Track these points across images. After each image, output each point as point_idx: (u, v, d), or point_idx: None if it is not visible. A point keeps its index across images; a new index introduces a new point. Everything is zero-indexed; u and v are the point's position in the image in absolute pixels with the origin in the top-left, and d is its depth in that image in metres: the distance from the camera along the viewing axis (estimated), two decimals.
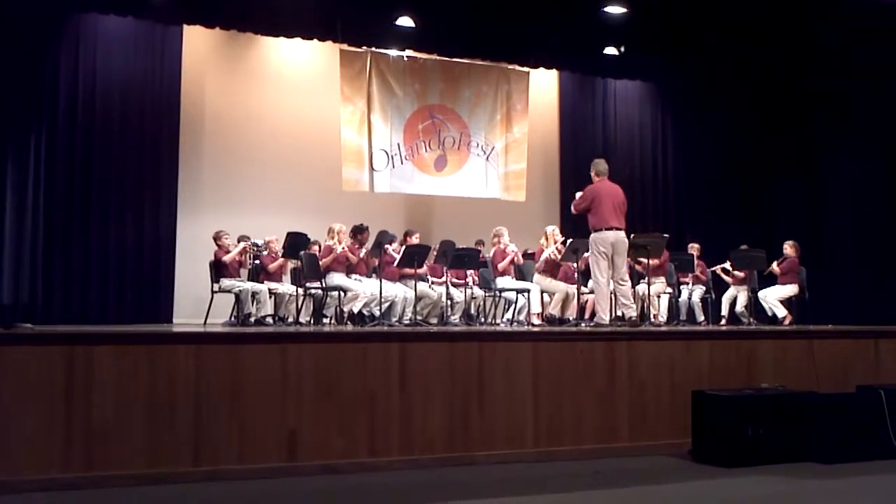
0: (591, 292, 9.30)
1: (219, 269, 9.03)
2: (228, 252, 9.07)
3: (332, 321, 9.11)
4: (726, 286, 10.80)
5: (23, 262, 9.23)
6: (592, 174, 7.81)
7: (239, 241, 9.25)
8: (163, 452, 4.71)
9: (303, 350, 5.10)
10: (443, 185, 11.67)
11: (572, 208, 7.88)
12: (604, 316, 7.53)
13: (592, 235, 7.62)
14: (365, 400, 5.12)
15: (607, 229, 7.50)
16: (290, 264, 9.58)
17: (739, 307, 10.53)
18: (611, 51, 11.69)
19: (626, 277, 7.86)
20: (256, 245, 9.40)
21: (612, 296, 7.81)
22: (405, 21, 10.56)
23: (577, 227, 10.75)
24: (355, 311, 8.74)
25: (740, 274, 10.42)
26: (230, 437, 4.83)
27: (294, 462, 4.92)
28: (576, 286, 8.74)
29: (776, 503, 4.63)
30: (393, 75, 11.35)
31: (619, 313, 7.68)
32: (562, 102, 12.65)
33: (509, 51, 11.55)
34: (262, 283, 9.19)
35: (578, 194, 7.84)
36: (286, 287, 9.38)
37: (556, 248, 9.09)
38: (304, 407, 4.99)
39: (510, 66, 11.94)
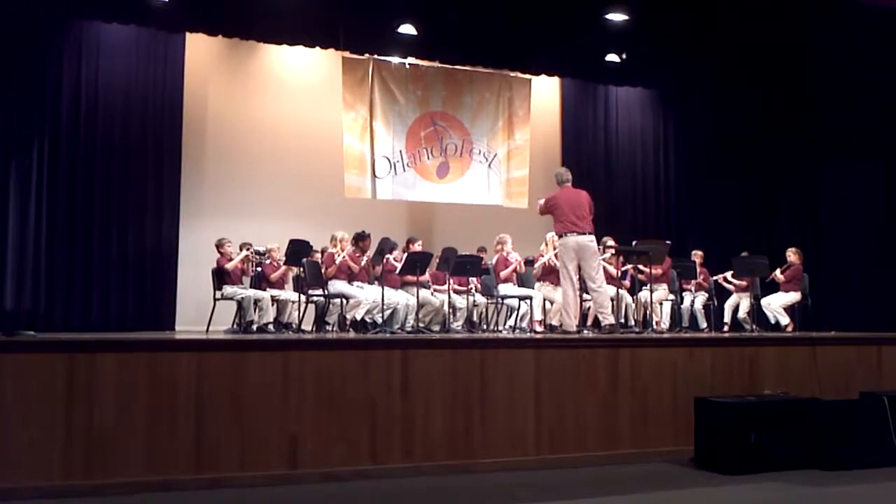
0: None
1: (221, 277, 9.04)
2: (231, 259, 9.08)
3: (335, 328, 9.11)
4: (729, 293, 10.79)
5: (25, 269, 9.24)
6: (556, 183, 7.90)
7: (241, 249, 9.26)
8: (164, 459, 4.70)
9: (305, 357, 5.10)
10: (445, 192, 11.68)
11: (538, 211, 8.00)
12: (569, 321, 7.55)
13: (557, 242, 7.78)
14: (367, 407, 5.12)
15: (568, 234, 7.58)
16: (292, 271, 9.58)
17: (742, 314, 10.53)
18: (612, 58, 11.69)
19: (601, 283, 7.65)
20: (258, 252, 9.41)
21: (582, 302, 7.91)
22: (407, 28, 10.58)
23: None
24: (357, 318, 8.74)
25: (743, 282, 10.41)
26: (231, 444, 4.83)
27: (295, 469, 4.92)
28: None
29: None
30: (395, 82, 11.38)
31: (609, 320, 7.57)
32: (563, 109, 12.67)
33: (511, 58, 11.53)
34: (265, 290, 9.20)
35: (541, 201, 7.94)
36: (288, 294, 9.38)
37: (555, 255, 9.09)
38: (306, 414, 4.99)
39: (512, 73, 11.96)
